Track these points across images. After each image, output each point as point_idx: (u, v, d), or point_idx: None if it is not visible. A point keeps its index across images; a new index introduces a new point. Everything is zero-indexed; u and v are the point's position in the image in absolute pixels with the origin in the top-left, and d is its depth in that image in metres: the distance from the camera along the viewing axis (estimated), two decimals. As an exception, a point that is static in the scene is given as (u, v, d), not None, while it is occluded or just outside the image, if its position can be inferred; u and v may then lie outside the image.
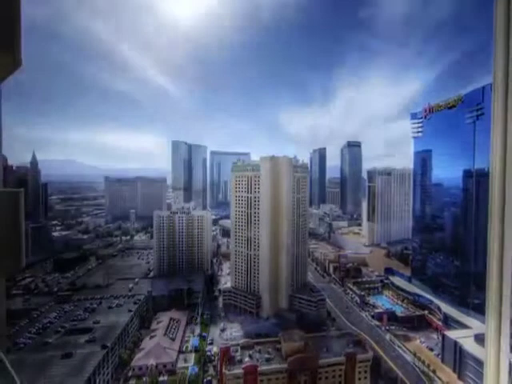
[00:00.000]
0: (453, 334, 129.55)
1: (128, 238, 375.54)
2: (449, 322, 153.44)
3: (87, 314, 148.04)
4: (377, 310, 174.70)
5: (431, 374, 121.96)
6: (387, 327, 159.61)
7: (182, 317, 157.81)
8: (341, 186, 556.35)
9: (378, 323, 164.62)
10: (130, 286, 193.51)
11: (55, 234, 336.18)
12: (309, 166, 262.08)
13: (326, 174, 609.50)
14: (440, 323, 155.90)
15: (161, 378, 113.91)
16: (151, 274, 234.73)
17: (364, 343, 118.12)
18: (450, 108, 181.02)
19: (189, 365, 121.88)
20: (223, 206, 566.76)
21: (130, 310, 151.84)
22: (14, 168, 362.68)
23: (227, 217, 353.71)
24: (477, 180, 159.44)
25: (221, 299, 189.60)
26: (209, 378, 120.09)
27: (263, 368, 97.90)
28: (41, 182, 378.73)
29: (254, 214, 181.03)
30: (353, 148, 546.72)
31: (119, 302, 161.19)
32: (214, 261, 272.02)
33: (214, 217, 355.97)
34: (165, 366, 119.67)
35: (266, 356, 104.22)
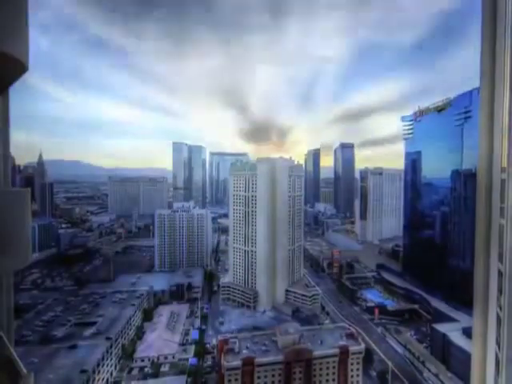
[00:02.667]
0: (441, 327, 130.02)
1: (131, 235, 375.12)
2: (438, 315, 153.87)
3: (92, 307, 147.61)
4: (369, 304, 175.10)
5: (421, 366, 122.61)
6: (378, 320, 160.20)
7: (183, 310, 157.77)
8: (334, 186, 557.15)
9: (370, 317, 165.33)
10: (133, 281, 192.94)
11: (61, 231, 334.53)
12: (303, 166, 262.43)
13: (320, 175, 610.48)
14: (429, 317, 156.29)
15: (162, 369, 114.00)
16: (153, 269, 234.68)
17: (356, 336, 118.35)
18: (439, 111, 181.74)
19: (189, 356, 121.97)
20: (222, 204, 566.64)
21: (133, 304, 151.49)
22: (21, 168, 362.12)
23: (226, 215, 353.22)
24: (464, 180, 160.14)
25: (220, 294, 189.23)
26: (208, 368, 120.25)
27: (260, 359, 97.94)
28: (47, 181, 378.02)
29: (252, 212, 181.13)
30: (346, 149, 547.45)
31: (122, 297, 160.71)
32: (213, 257, 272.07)
33: (212, 215, 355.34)
34: (166, 357, 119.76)
35: (263, 348, 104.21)
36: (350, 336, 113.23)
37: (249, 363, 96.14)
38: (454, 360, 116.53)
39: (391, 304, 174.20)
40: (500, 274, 21.31)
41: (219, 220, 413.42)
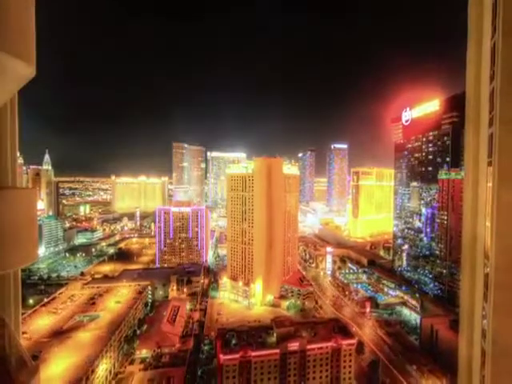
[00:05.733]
0: (430, 320, 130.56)
1: (133, 231, 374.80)
2: (426, 308, 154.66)
3: (95, 301, 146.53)
4: (360, 298, 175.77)
5: (410, 356, 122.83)
6: (370, 313, 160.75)
7: (183, 304, 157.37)
8: (328, 185, 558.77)
9: (361, 310, 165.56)
10: (135, 276, 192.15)
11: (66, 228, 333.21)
12: (299, 165, 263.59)
13: (315, 174, 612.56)
14: (418, 309, 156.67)
15: (163, 360, 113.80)
16: (154, 265, 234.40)
17: (349, 328, 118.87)
18: (427, 114, 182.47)
19: (188, 348, 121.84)
20: (220, 203, 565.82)
21: (135, 298, 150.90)
22: (29, 168, 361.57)
23: (224, 214, 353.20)
24: (452, 179, 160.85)
25: (218, 289, 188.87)
26: (206, 360, 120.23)
27: (256, 351, 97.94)
28: (53, 180, 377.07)
29: (248, 210, 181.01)
30: (339, 149, 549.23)
31: (124, 291, 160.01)
32: (212, 253, 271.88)
33: (211, 213, 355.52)
34: (166, 349, 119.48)
35: (260, 340, 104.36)
36: (343, 328, 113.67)
37: (246, 355, 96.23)
38: (441, 351, 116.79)
39: (381, 297, 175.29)
40: (486, 268, 21.45)
41: (217, 218, 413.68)
